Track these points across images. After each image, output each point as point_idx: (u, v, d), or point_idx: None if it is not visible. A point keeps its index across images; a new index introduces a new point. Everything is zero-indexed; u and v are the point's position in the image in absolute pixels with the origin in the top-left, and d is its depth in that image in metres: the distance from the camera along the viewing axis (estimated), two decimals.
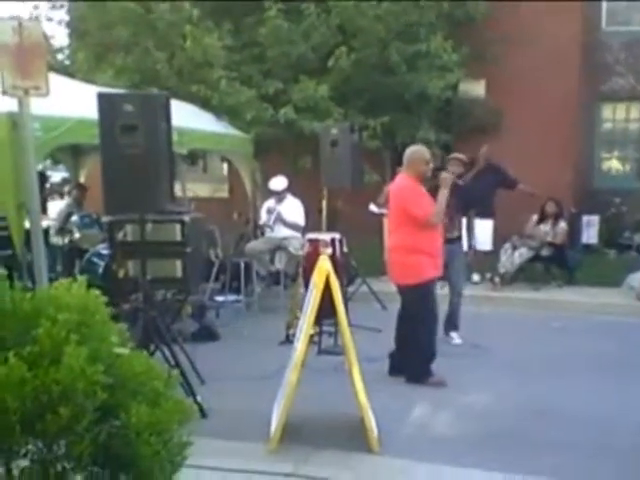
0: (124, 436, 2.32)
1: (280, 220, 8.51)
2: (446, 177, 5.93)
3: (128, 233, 5.93)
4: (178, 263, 5.87)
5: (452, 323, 7.11)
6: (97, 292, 2.46)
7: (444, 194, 5.75)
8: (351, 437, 4.46)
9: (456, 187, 6.21)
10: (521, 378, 5.93)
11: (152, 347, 4.95)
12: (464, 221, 7.23)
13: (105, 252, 7.32)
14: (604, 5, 12.45)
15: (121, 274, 5.83)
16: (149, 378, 2.43)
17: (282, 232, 8.54)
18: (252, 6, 10.18)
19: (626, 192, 12.13)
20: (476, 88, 11.79)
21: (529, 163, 10.64)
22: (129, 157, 4.62)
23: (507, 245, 9.67)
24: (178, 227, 5.94)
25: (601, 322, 8.10)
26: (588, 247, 11.34)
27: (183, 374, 4.77)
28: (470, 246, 7.46)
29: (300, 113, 9.66)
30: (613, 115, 13.04)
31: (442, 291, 7.75)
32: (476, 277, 9.99)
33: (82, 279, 2.49)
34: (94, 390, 2.21)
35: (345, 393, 4.56)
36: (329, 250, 5.53)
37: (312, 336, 5.17)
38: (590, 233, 11.60)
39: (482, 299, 9.19)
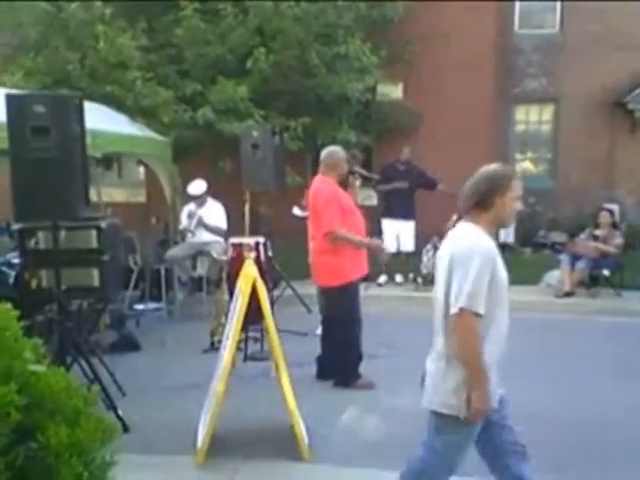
0: (43, 459, 2.17)
1: (201, 224, 8.31)
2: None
3: (40, 241, 5.66)
4: (95, 271, 5.66)
5: None
6: (8, 305, 2.28)
7: (363, 242, 5.75)
8: (281, 445, 4.37)
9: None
10: None
11: (69, 360, 4.71)
12: None
13: (16, 261, 6.97)
14: (517, 8, 12.81)
15: (34, 284, 5.56)
16: (68, 396, 2.27)
17: (203, 237, 8.35)
18: (167, 5, 9.95)
19: (540, 192, 12.52)
20: (394, 90, 11.93)
21: (447, 164, 10.80)
22: (41, 161, 4.40)
23: (429, 246, 9.77)
24: (94, 234, 5.73)
25: (522, 319, 8.20)
26: (505, 246, 11.62)
27: (103, 387, 4.60)
28: None
29: (219, 115, 9.49)
30: (526, 117, 13.43)
31: (366, 292, 7.79)
32: (399, 278, 10.07)
33: None
34: (8, 411, 2.05)
35: (274, 400, 4.47)
36: (253, 254, 5.42)
37: (238, 342, 5.05)
38: (507, 232, 11.91)
39: (405, 299, 9.28)
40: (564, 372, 6.12)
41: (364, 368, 5.78)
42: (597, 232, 9.29)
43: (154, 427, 4.72)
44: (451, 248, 2.98)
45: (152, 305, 8.26)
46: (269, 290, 6.18)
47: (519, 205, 3.08)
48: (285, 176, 8.54)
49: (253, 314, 4.47)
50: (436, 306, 3.09)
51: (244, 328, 5.54)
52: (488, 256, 2.89)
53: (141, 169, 12.88)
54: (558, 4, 12.81)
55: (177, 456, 4.28)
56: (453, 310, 2.89)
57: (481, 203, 2.97)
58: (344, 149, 6.38)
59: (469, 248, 2.89)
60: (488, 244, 2.93)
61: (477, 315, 2.86)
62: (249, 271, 4.49)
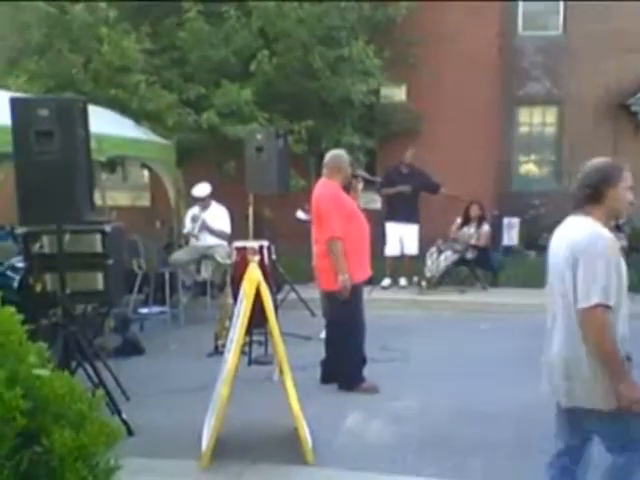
0: (47, 463, 2.17)
1: (205, 228, 8.31)
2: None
3: (45, 245, 5.66)
4: (99, 275, 5.67)
5: None
6: (12, 309, 2.28)
7: (340, 271, 5.55)
8: (286, 449, 4.36)
9: None
10: (452, 381, 5.94)
11: (74, 364, 4.71)
12: None
13: (20, 265, 6.98)
14: (520, 10, 12.80)
15: (38, 288, 5.56)
16: (72, 400, 2.27)
17: (207, 240, 8.35)
18: (171, 8, 9.97)
19: (544, 194, 12.49)
20: (397, 93, 11.93)
21: (451, 167, 10.81)
22: (45, 164, 4.40)
23: (432, 249, 9.77)
24: (98, 237, 5.74)
25: (527, 322, 8.21)
26: (509, 249, 11.60)
27: (107, 391, 4.59)
28: None
29: (223, 118, 9.50)
30: (530, 119, 13.41)
31: (370, 295, 7.78)
32: (403, 281, 10.06)
33: None
34: (13, 416, 2.05)
35: (278, 403, 4.46)
36: (257, 258, 5.42)
37: (242, 346, 5.05)
38: (511, 235, 11.89)
39: (409, 303, 9.26)
40: None
41: (368, 372, 5.77)
42: None
43: (158, 431, 4.72)
44: (570, 242, 2.93)
45: (156, 309, 8.26)
46: (273, 294, 6.18)
47: (631, 196, 3.01)
48: (289, 179, 8.54)
49: (257, 318, 4.47)
50: (559, 303, 3.02)
51: (248, 332, 5.56)
52: (612, 247, 2.87)
53: (145, 173, 12.89)
54: (561, 5, 12.79)
55: (181, 460, 4.27)
56: (584, 304, 2.83)
57: (593, 196, 2.94)
58: (348, 152, 6.38)
59: (590, 242, 2.86)
60: (609, 236, 2.89)
61: (608, 307, 2.81)
62: (253, 274, 4.49)
